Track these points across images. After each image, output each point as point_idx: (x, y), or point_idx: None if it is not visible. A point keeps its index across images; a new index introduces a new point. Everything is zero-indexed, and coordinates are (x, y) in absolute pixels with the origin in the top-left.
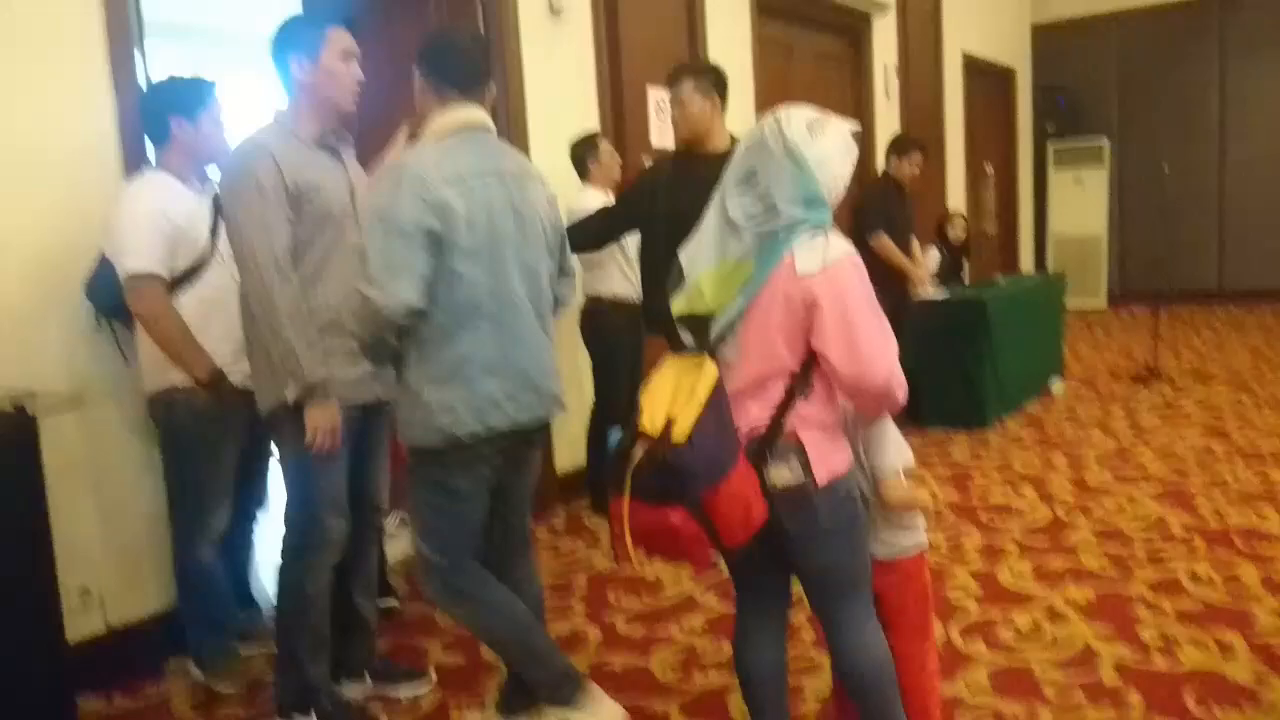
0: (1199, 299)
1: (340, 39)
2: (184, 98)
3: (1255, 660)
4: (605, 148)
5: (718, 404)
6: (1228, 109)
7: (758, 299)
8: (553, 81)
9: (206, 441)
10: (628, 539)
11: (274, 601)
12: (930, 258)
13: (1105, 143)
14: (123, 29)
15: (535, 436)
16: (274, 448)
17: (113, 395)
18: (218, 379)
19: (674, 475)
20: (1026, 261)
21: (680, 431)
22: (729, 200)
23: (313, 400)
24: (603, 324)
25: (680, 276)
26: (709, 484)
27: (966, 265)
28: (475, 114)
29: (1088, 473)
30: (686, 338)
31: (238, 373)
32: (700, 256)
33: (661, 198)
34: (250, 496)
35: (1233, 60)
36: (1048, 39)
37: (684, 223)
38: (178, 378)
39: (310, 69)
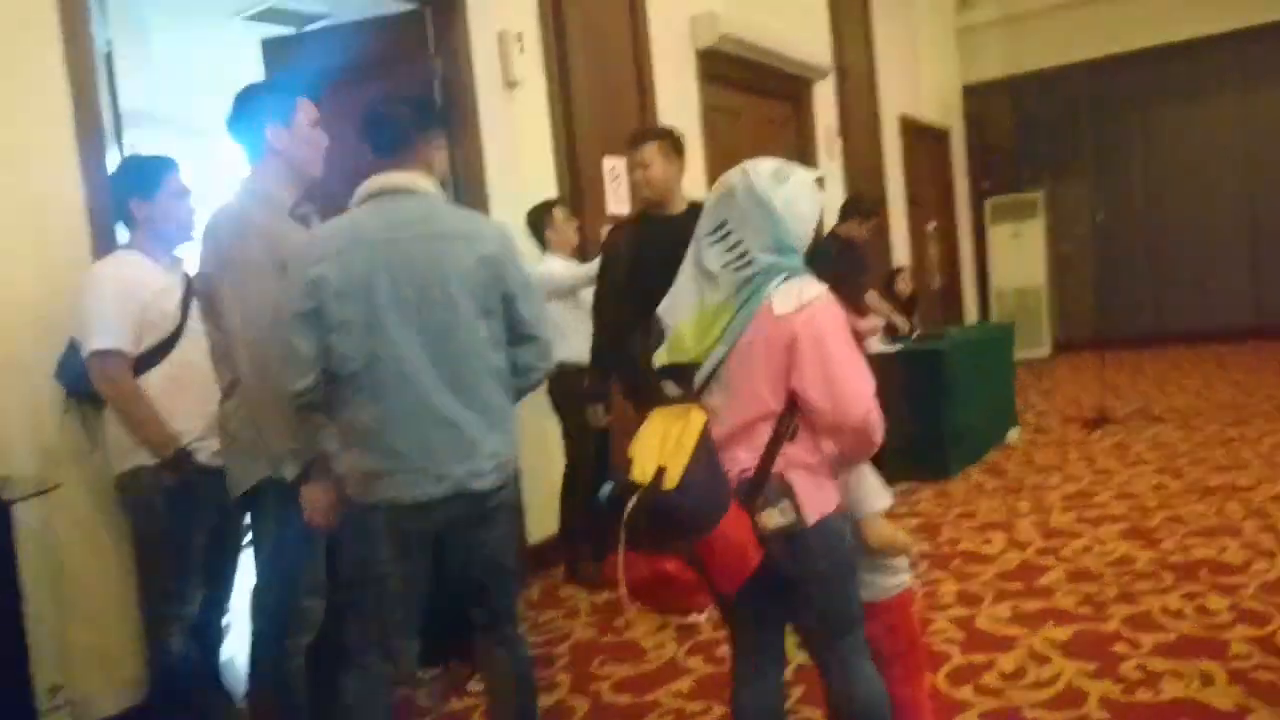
0: (1139, 343)
1: (308, 106)
2: (138, 179)
3: (1235, 687)
4: (560, 214)
5: (707, 450)
6: (1151, 158)
7: (739, 344)
8: (510, 152)
9: (175, 522)
10: (624, 592)
11: (246, 687)
12: (884, 309)
13: (1039, 196)
14: (91, 116)
15: (461, 512)
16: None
17: (81, 479)
18: (183, 457)
19: (668, 522)
20: (971, 314)
21: (671, 479)
22: (703, 251)
23: (311, 477)
24: (570, 389)
25: (660, 330)
26: (703, 530)
27: (915, 318)
28: (393, 178)
29: (1053, 516)
30: (670, 388)
31: (205, 450)
32: (679, 306)
33: (624, 261)
34: (220, 580)
35: (1154, 111)
36: (978, 99)
37: (648, 285)
38: (144, 457)
39: (286, 134)
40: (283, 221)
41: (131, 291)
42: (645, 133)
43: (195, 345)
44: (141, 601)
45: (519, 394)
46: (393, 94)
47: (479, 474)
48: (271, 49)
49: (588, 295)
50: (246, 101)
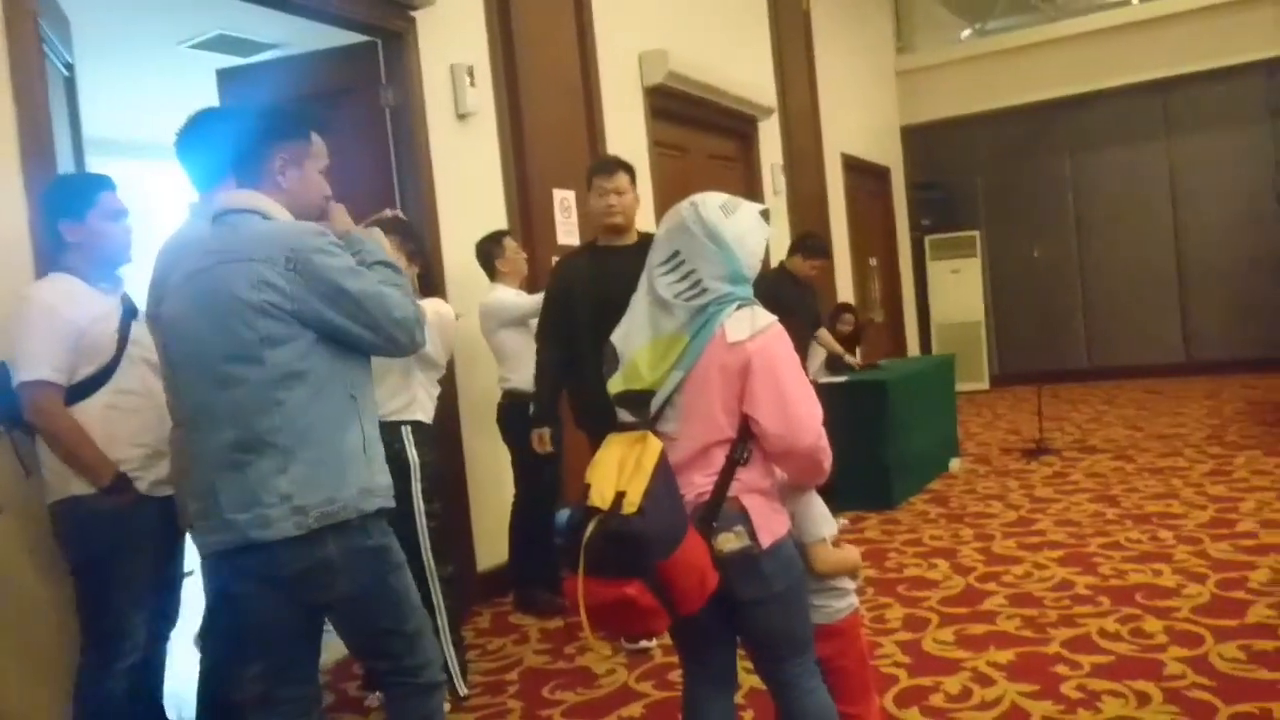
0: (1073, 377)
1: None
2: (68, 200)
3: (1170, 706)
4: (509, 244)
5: (665, 475)
6: (1080, 199)
7: (694, 371)
8: (462, 183)
9: (113, 553)
10: (584, 617)
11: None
12: (817, 352)
13: (977, 234)
14: (38, 139)
15: (268, 564)
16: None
17: (15, 511)
18: (122, 485)
19: (629, 546)
20: (913, 347)
21: (631, 502)
22: (656, 281)
23: None
24: (520, 416)
25: (615, 359)
26: (664, 553)
27: (858, 353)
28: (222, 197)
29: (994, 543)
30: (625, 415)
31: (147, 480)
32: (634, 335)
33: (583, 291)
34: (162, 615)
35: (1084, 154)
36: (918, 139)
37: (612, 312)
38: (81, 486)
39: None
40: None
41: (64, 318)
42: (617, 162)
43: (136, 372)
44: (80, 636)
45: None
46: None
47: (264, 521)
48: (226, 79)
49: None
50: (202, 130)
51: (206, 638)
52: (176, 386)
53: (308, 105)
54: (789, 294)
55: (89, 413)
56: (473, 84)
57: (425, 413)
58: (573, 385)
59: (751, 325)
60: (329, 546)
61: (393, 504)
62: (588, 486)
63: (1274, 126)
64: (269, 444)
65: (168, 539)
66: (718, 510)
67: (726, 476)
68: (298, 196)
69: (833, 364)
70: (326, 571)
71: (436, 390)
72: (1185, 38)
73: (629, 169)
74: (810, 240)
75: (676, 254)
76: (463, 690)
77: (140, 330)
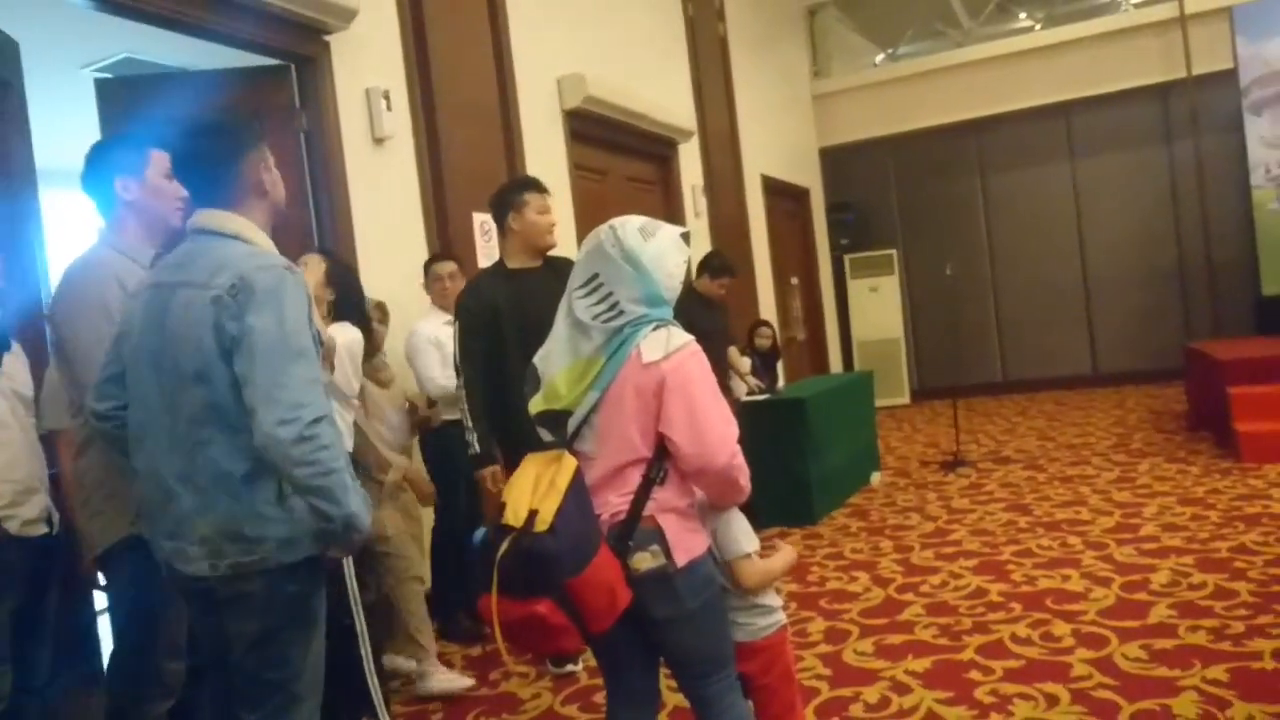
0: (987, 390)
1: (160, 158)
2: None
3: (1077, 706)
4: (441, 268)
5: (578, 493)
6: (991, 218)
7: (609, 391)
8: (379, 209)
9: None
10: (498, 634)
11: None
12: (743, 363)
13: (894, 253)
14: None
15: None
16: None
17: None
18: None
19: (539, 564)
20: (835, 364)
21: (543, 520)
22: (575, 304)
23: None
24: (444, 445)
25: (536, 379)
26: (574, 571)
27: (780, 369)
28: (196, 217)
29: (913, 554)
30: (545, 434)
31: (17, 519)
32: (554, 357)
33: (508, 312)
34: (28, 665)
35: (990, 174)
36: (834, 160)
37: (534, 333)
38: None
39: (136, 186)
40: (139, 271)
41: None
42: (540, 183)
43: (5, 405)
44: None
45: (294, 483)
46: (196, 124)
47: (184, 556)
48: (106, 90)
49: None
50: (95, 156)
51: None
52: (118, 381)
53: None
54: (700, 315)
55: None
56: (389, 108)
57: (343, 443)
58: (500, 407)
59: (666, 345)
60: (253, 582)
61: (317, 552)
62: (503, 505)
63: (1169, 148)
64: (193, 482)
65: (38, 583)
66: (633, 529)
67: (642, 496)
68: (277, 197)
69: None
70: (247, 601)
71: (351, 417)
72: (1085, 63)
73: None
74: (714, 260)
75: (595, 277)
76: None
77: (11, 363)
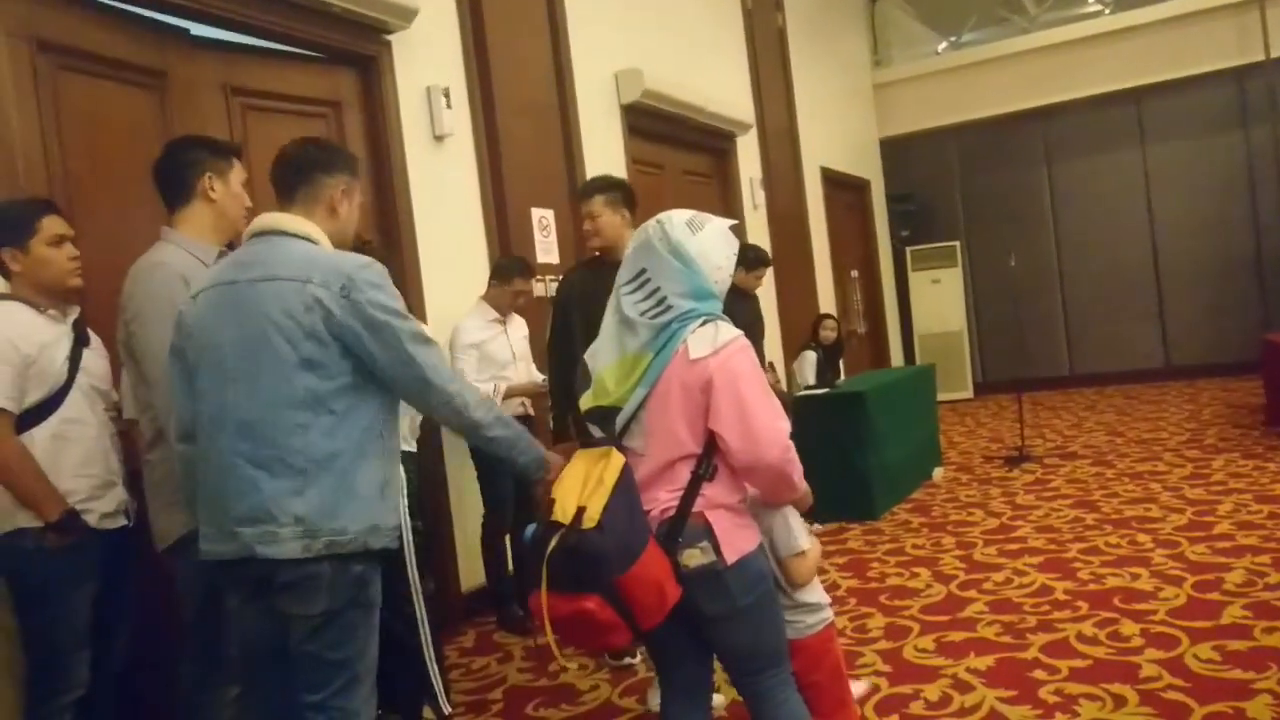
0: (1054, 384)
1: (241, 167)
2: (8, 227)
3: (1145, 708)
4: (518, 284)
5: (626, 490)
6: (1058, 207)
7: (657, 387)
8: (440, 205)
9: (58, 586)
10: (548, 630)
11: None
12: (805, 360)
13: (957, 244)
14: None
15: (259, 577)
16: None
17: None
18: (71, 519)
19: (587, 561)
20: (896, 358)
21: (590, 517)
22: (623, 299)
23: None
24: None
25: (587, 376)
26: (621, 568)
27: (841, 364)
28: (265, 219)
29: (975, 550)
30: (595, 430)
31: (95, 512)
32: (602, 353)
33: (577, 306)
34: (107, 652)
35: (1057, 163)
36: (895, 151)
37: (597, 327)
38: (26, 519)
39: (222, 189)
40: (202, 270)
41: (14, 345)
42: (592, 185)
43: (85, 400)
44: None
45: (488, 439)
46: (303, 137)
47: (272, 539)
48: None
49: (496, 350)
50: (183, 149)
51: (184, 662)
52: (189, 393)
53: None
54: (737, 309)
55: (35, 442)
56: (449, 106)
57: (409, 443)
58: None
59: (714, 341)
60: (323, 564)
61: (395, 546)
62: (553, 501)
63: (1245, 133)
64: (288, 464)
65: (116, 574)
66: (682, 526)
67: (691, 492)
68: (345, 227)
69: (819, 373)
70: (313, 584)
71: (418, 419)
72: (1157, 47)
73: (606, 189)
74: (750, 252)
75: (643, 272)
76: (446, 709)
77: (90, 358)
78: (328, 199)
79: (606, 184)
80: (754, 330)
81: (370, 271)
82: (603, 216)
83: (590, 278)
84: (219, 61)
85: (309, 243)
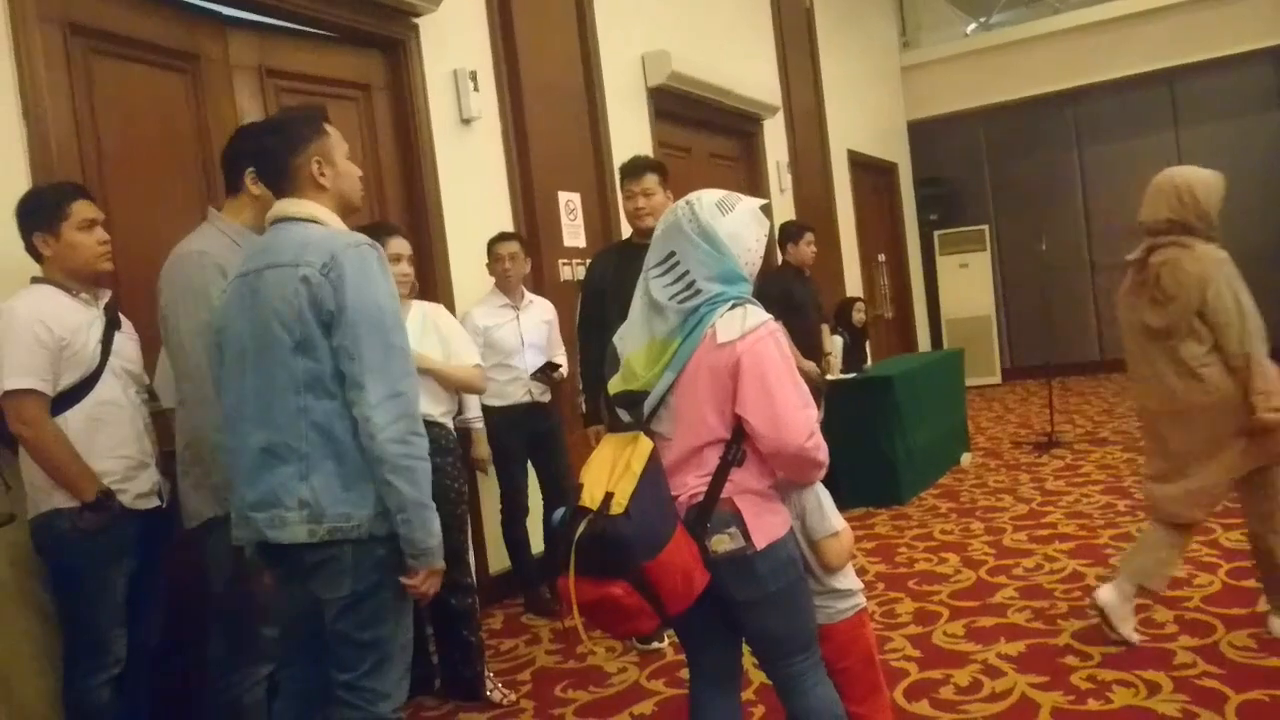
0: (1084, 369)
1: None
2: (39, 212)
3: (1179, 695)
4: (498, 250)
5: (653, 475)
6: (1089, 191)
7: (685, 372)
8: (467, 188)
9: (94, 568)
10: (575, 614)
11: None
12: (834, 343)
13: (985, 228)
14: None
15: (277, 560)
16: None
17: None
18: (106, 499)
19: (614, 547)
20: (924, 343)
21: (618, 503)
22: (651, 283)
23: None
24: (491, 426)
25: (615, 359)
26: (649, 554)
27: (867, 347)
28: (275, 208)
29: (1005, 536)
30: (623, 415)
31: (130, 492)
32: (630, 337)
33: (611, 286)
34: (145, 628)
35: (1087, 145)
36: (924, 133)
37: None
38: (61, 500)
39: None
40: (238, 257)
41: (46, 326)
42: (645, 163)
43: (118, 383)
44: (63, 653)
45: (383, 459)
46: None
47: (280, 522)
48: None
49: (502, 338)
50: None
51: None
52: (222, 385)
53: (304, 106)
54: (797, 288)
55: (70, 424)
56: (476, 89)
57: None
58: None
59: (742, 325)
60: (343, 548)
61: None
62: (581, 486)
63: None
64: (293, 448)
65: (150, 554)
66: (711, 511)
67: (720, 477)
68: (342, 189)
69: (847, 356)
70: (336, 567)
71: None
72: (1190, 27)
73: (657, 169)
74: (790, 226)
75: (671, 255)
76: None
77: (122, 341)
78: (308, 178)
79: (656, 163)
80: (817, 309)
81: (355, 252)
82: (657, 195)
83: (623, 260)
84: (250, 44)
85: (313, 224)
